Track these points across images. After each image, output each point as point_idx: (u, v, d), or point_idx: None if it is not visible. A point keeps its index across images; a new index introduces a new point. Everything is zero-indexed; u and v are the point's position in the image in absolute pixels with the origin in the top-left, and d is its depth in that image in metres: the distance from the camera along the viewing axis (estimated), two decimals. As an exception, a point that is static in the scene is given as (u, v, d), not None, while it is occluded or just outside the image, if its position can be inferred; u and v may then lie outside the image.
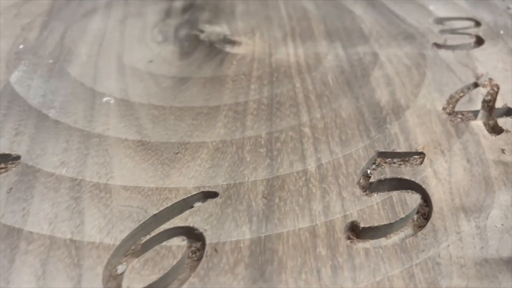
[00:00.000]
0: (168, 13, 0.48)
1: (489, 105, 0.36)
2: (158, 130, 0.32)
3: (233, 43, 0.43)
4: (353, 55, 0.41)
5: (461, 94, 0.37)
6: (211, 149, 0.30)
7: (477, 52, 0.43)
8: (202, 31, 0.45)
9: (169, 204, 0.26)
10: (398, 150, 0.31)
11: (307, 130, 0.32)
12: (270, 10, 0.49)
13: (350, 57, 0.41)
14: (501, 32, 0.46)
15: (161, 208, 0.26)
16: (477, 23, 0.48)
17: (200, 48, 0.42)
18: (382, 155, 0.31)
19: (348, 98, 0.36)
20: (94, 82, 0.37)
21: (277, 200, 0.27)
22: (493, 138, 0.32)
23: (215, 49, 0.42)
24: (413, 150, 0.31)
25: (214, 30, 0.45)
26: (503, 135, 0.32)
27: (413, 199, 0.27)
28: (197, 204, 0.27)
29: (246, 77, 0.38)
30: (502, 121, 0.34)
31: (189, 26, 0.46)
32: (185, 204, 0.27)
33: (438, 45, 0.44)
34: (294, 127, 0.33)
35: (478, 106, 0.35)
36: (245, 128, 0.32)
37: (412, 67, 0.40)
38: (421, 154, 0.31)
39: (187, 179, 0.28)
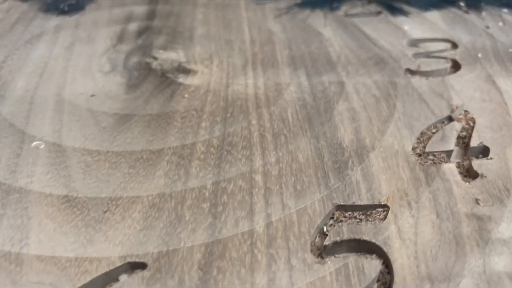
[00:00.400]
0: (120, 38, 0.44)
1: (464, 141, 0.33)
2: (89, 182, 0.28)
3: (187, 72, 0.39)
4: (317, 85, 0.38)
5: (434, 131, 0.34)
6: (146, 205, 0.27)
7: (453, 79, 0.39)
8: (155, 58, 0.41)
9: (88, 280, 0.23)
10: (359, 203, 0.27)
11: (259, 178, 0.29)
12: (232, 33, 0.46)
13: (314, 88, 0.37)
14: (479, 55, 0.43)
15: (78, 285, 0.22)
16: (454, 45, 0.45)
17: (150, 78, 0.38)
18: (341, 208, 0.27)
19: (307, 138, 0.32)
20: (26, 122, 0.33)
21: (215, 272, 0.23)
22: (466, 185, 0.29)
23: (166, 80, 0.38)
24: (376, 203, 0.27)
25: (169, 56, 0.41)
26: (477, 181, 0.29)
27: (372, 267, 0.24)
28: (122, 277, 0.23)
29: (198, 113, 0.34)
30: (477, 164, 0.30)
31: (141, 53, 0.42)
32: (107, 278, 0.23)
33: (411, 71, 0.40)
34: (244, 174, 0.29)
35: (451, 145, 0.32)
36: (189, 176, 0.29)
37: (381, 98, 0.36)
38: (385, 207, 0.27)
39: (113, 245, 0.24)
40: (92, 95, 0.36)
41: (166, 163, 0.30)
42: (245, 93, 0.37)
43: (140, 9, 0.50)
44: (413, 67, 0.41)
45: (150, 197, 0.27)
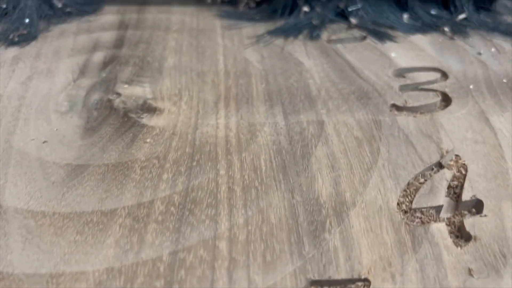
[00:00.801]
0: (83, 70, 0.41)
1: (455, 192, 0.30)
2: (28, 254, 0.24)
3: (153, 110, 0.36)
4: (294, 126, 0.34)
5: (422, 180, 0.30)
6: (92, 283, 0.23)
7: (443, 116, 0.36)
8: (118, 95, 0.37)
9: None
10: (336, 276, 0.24)
11: (223, 245, 0.25)
12: (206, 63, 0.42)
13: (290, 129, 0.34)
14: (471, 86, 0.40)
15: None
16: (444, 75, 0.42)
17: (111, 119, 0.35)
18: (316, 284, 0.24)
19: (281, 191, 0.29)
20: (-35, 176, 0.29)
21: None
22: (458, 251, 0.25)
23: (129, 121, 0.35)
24: (356, 276, 0.24)
25: (133, 92, 0.38)
26: (470, 245, 0.26)
27: None
28: None
29: (160, 162, 0.31)
30: (470, 222, 0.27)
31: (104, 88, 0.38)
32: None
33: (397, 107, 0.37)
34: (207, 241, 0.25)
35: (441, 198, 0.29)
36: (143, 245, 0.25)
37: (364, 141, 0.33)
38: (366, 282, 0.24)
39: None
40: (44, 141, 0.32)
41: (118, 227, 0.26)
42: (215, 136, 0.33)
43: (108, 36, 0.46)
44: (399, 102, 0.37)
45: (97, 273, 0.24)
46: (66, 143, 0.32)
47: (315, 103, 0.37)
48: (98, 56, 0.43)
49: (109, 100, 0.37)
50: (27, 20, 0.44)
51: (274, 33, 0.47)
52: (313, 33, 0.46)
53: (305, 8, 0.46)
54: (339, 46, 0.46)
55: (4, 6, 0.46)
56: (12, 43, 0.43)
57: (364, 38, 0.47)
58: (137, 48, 0.44)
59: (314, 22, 0.46)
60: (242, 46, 0.46)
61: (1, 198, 0.28)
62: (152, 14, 0.51)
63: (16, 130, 0.33)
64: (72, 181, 0.29)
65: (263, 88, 0.39)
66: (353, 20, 0.47)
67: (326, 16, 0.46)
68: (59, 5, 0.48)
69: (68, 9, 0.48)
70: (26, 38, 0.44)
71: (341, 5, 0.48)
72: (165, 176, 0.30)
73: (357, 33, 0.48)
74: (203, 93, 0.38)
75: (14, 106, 0.36)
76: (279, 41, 0.46)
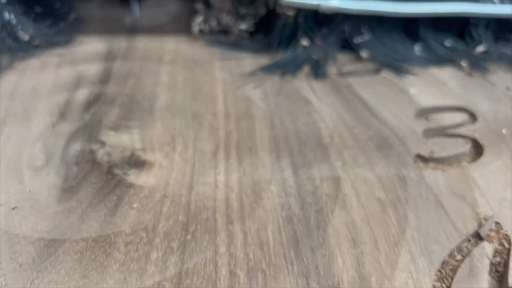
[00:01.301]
0: (64, 112, 0.36)
1: (497, 271, 0.25)
2: None
3: (141, 165, 0.31)
4: (306, 183, 0.30)
5: (458, 258, 0.26)
6: None
7: (475, 169, 0.31)
8: (102, 144, 0.33)
9: None
10: None
11: None
12: (202, 102, 0.38)
13: (301, 187, 0.29)
14: (504, 131, 0.35)
15: None
16: (472, 115, 0.37)
17: (92, 177, 0.30)
18: None
19: (293, 276, 0.24)
20: None
21: None
22: None
23: (113, 178, 0.30)
24: None
25: (120, 141, 0.33)
26: None
27: None
28: None
29: (148, 235, 0.26)
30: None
31: (87, 135, 0.34)
32: None
33: (422, 159, 0.32)
34: None
35: (484, 281, 0.24)
36: None
37: (388, 204, 0.28)
38: None
39: None
40: (14, 207, 0.27)
41: (96, 331, 0.21)
42: (214, 198, 0.29)
43: (94, 69, 0.42)
44: (424, 152, 0.33)
45: None
46: (39, 209, 0.28)
47: (328, 152, 0.32)
48: (82, 94, 0.38)
49: (92, 152, 0.32)
50: None
51: (275, 66, 0.42)
52: (317, 68, 0.41)
53: (304, 43, 0.42)
54: (350, 80, 0.41)
55: None
56: None
57: (377, 70, 0.43)
58: (125, 84, 0.40)
59: (314, 56, 0.41)
60: (243, 80, 0.41)
61: (-45, 289, 0.23)
62: (143, 42, 0.47)
63: (-19, 192, 0.29)
64: (44, 262, 0.24)
65: (268, 133, 0.34)
66: (364, 54, 0.43)
67: (329, 50, 0.42)
68: (26, 37, 0.42)
69: (36, 42, 0.43)
70: None
71: (346, 36, 0.43)
72: (154, 256, 0.25)
73: (368, 65, 0.43)
74: (199, 141, 0.33)
75: (-18, 159, 0.31)
76: (284, 75, 0.42)
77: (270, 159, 0.32)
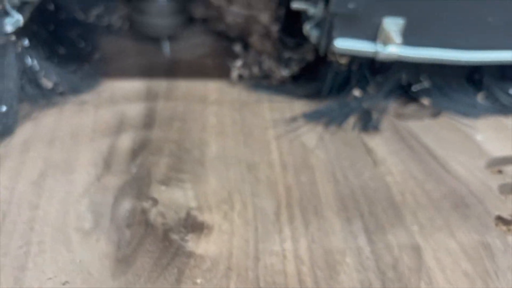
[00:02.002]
0: (108, 162, 0.33)
1: None
2: None
3: (200, 228, 0.28)
4: (384, 254, 0.27)
5: None
6: None
7: None
8: (154, 201, 0.30)
9: None
10: None
11: None
12: (255, 149, 0.35)
13: (379, 259, 0.27)
14: None
15: None
16: (548, 168, 0.34)
17: (147, 243, 0.27)
18: None
19: None
20: None
21: None
22: None
23: (170, 246, 0.27)
24: None
25: (173, 197, 0.30)
26: None
27: None
28: None
29: (218, 319, 0.23)
30: None
31: (136, 191, 0.31)
32: None
33: (504, 222, 0.29)
34: None
35: None
36: None
37: (477, 279, 0.25)
38: None
39: None
40: (65, 283, 0.25)
41: None
42: (284, 272, 0.26)
43: (135, 110, 0.39)
44: (505, 214, 0.30)
45: None
46: (93, 284, 0.25)
47: (402, 214, 0.30)
48: (125, 140, 0.35)
49: (144, 211, 0.29)
50: (3, 108, 0.36)
51: (327, 113, 0.39)
52: (369, 118, 0.38)
53: (357, 93, 0.39)
54: (410, 124, 0.38)
55: None
56: None
57: (437, 113, 0.40)
58: (171, 128, 0.37)
59: (365, 105, 0.38)
60: (296, 124, 0.38)
61: None
62: (183, 81, 0.44)
63: (28, 262, 0.26)
64: None
65: (332, 189, 0.32)
66: (425, 101, 0.40)
67: (383, 99, 0.39)
68: (49, 85, 0.39)
69: (60, 89, 0.39)
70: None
71: (402, 84, 0.40)
72: None
73: (428, 107, 0.41)
74: (258, 198, 0.31)
75: (25, 219, 0.28)
76: (339, 118, 0.39)
77: (339, 222, 0.29)
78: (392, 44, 0.35)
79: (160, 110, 0.39)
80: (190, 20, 0.50)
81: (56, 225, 0.28)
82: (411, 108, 0.40)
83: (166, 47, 0.47)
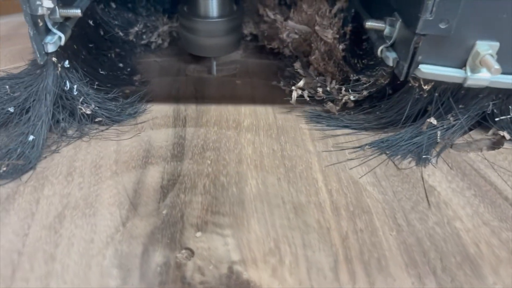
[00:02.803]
0: (134, 202, 0.29)
1: None
2: None
3: (245, 287, 0.24)
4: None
5: None
6: None
7: None
8: (190, 252, 0.26)
9: None
10: None
11: None
12: (300, 187, 0.31)
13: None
14: None
15: None
16: None
17: (186, 308, 0.23)
18: None
19: None
20: None
21: None
22: None
23: (214, 312, 0.23)
24: None
25: (211, 247, 0.26)
26: None
27: None
28: None
29: None
30: None
31: (168, 238, 0.27)
32: None
33: None
34: None
35: None
36: None
37: None
38: None
39: None
40: None
41: None
42: None
43: (162, 137, 0.35)
44: None
45: None
46: None
47: (481, 270, 0.25)
48: (153, 175, 0.31)
49: (178, 266, 0.25)
50: (30, 138, 0.32)
51: (388, 143, 0.35)
52: (441, 149, 0.34)
53: (434, 121, 0.34)
54: (472, 156, 0.34)
55: (11, 109, 0.33)
56: None
57: (502, 139, 0.35)
58: (203, 159, 0.33)
59: (440, 140, 0.34)
60: (343, 155, 0.34)
61: None
62: (214, 102, 0.40)
63: (43, 332, 0.22)
64: None
65: (395, 237, 0.27)
66: (506, 134, 0.35)
67: (459, 128, 0.34)
68: (88, 111, 0.35)
69: (98, 117, 0.35)
70: (19, 170, 0.31)
71: (486, 113, 0.35)
72: None
73: (483, 139, 0.36)
74: (310, 250, 0.26)
75: (39, 275, 0.24)
76: (394, 155, 0.34)
77: (409, 279, 0.25)
78: (487, 69, 0.30)
79: (189, 137, 0.35)
80: (241, 39, 0.46)
81: (76, 283, 0.24)
82: (483, 140, 0.36)
83: (214, 67, 0.43)
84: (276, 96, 0.40)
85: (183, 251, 0.26)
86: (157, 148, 0.34)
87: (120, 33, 0.46)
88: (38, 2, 0.30)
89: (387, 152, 0.34)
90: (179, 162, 0.32)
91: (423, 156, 0.33)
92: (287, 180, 0.31)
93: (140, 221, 0.28)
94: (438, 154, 0.34)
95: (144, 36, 0.48)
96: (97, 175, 0.31)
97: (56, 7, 0.32)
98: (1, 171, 0.30)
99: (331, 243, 0.27)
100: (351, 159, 0.33)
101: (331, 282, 0.24)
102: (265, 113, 0.38)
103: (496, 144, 0.35)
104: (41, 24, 0.32)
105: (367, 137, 0.36)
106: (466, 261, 0.26)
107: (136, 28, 0.48)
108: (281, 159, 0.33)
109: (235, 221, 0.28)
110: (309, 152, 0.34)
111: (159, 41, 0.49)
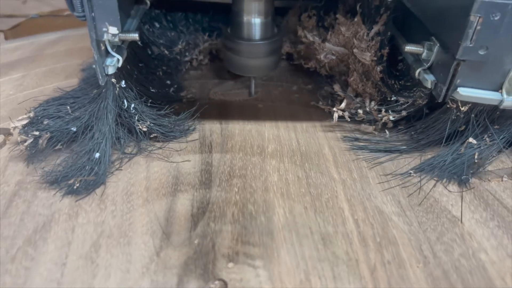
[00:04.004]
0: (167, 231, 0.30)
1: None
2: None
3: (279, 321, 0.25)
4: None
5: None
6: None
7: None
8: (223, 284, 0.26)
9: None
10: None
11: None
12: (327, 217, 0.31)
13: None
14: None
15: None
16: None
17: None
18: None
19: None
20: None
21: None
22: None
23: None
24: None
25: (243, 279, 0.27)
26: None
27: None
28: None
29: None
30: None
31: (201, 269, 0.27)
32: None
33: None
34: None
35: None
36: None
37: None
38: None
39: None
40: None
41: None
42: None
43: (189, 164, 0.36)
44: None
45: None
46: None
47: (508, 306, 0.26)
48: (183, 202, 0.32)
49: (214, 296, 0.26)
50: (97, 155, 0.34)
51: (440, 162, 0.35)
52: (472, 173, 0.34)
53: (472, 140, 0.35)
54: (497, 189, 0.35)
55: (73, 129, 0.35)
56: (70, 192, 0.32)
57: (515, 174, 0.36)
58: (230, 187, 0.34)
59: (478, 160, 0.35)
60: (367, 182, 0.35)
61: None
62: (237, 125, 0.41)
63: None
64: None
65: (421, 270, 0.28)
66: None
67: (494, 151, 0.35)
68: (144, 128, 0.36)
69: (153, 133, 0.37)
70: (92, 185, 0.32)
71: None
72: None
73: (503, 169, 0.37)
74: (341, 282, 0.27)
75: (79, 307, 0.25)
76: (418, 181, 0.35)
77: (438, 315, 0.25)
78: None
79: (216, 163, 0.36)
80: (280, 59, 0.47)
81: (115, 315, 0.25)
82: (504, 168, 0.36)
83: (252, 86, 0.45)
84: (317, 115, 0.42)
85: (216, 282, 0.27)
86: (185, 175, 0.34)
87: (166, 51, 0.48)
88: (104, 29, 0.32)
89: (416, 175, 0.35)
90: (207, 190, 0.33)
91: (463, 177, 0.34)
92: (313, 209, 0.32)
93: (173, 251, 0.28)
94: (472, 175, 0.35)
95: (187, 53, 0.50)
96: (130, 201, 0.32)
97: (118, 32, 0.34)
98: (75, 187, 0.32)
99: (360, 276, 0.27)
100: (376, 183, 0.34)
101: (362, 316, 0.25)
102: (287, 134, 0.39)
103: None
104: (102, 47, 0.33)
105: (406, 158, 0.37)
106: (493, 295, 0.26)
107: (179, 46, 0.49)
108: (306, 187, 0.34)
109: (265, 251, 0.29)
110: (333, 179, 0.35)
111: (200, 57, 0.51)
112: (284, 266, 0.28)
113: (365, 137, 0.40)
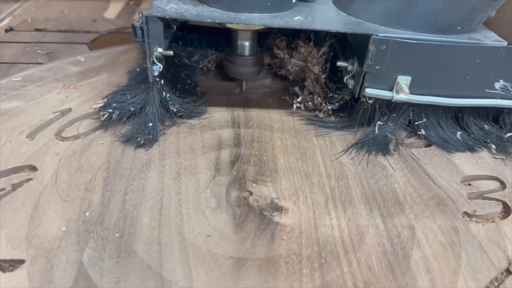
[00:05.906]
0: (217, 168, 0.52)
1: (520, 293, 0.40)
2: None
3: (280, 209, 0.47)
4: (392, 229, 0.45)
5: (496, 284, 0.40)
6: None
7: (506, 225, 0.46)
8: (250, 193, 0.49)
9: None
10: None
11: (360, 332, 0.35)
12: (309, 164, 0.54)
13: (389, 232, 0.45)
14: (525, 197, 0.50)
15: None
16: (502, 184, 0.52)
17: (251, 216, 0.46)
18: None
19: (393, 289, 0.39)
20: (160, 265, 0.40)
21: None
22: None
23: (265, 218, 0.46)
24: None
25: (261, 191, 0.49)
26: None
27: None
28: None
29: (297, 258, 0.41)
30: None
31: (238, 186, 0.49)
32: None
33: (468, 215, 0.47)
34: (347, 328, 0.36)
35: (512, 299, 0.39)
36: (303, 329, 0.36)
37: (447, 246, 0.43)
38: None
39: None
40: (208, 236, 0.43)
41: (283, 314, 0.37)
42: (333, 236, 0.44)
43: (227, 134, 0.58)
44: (469, 210, 0.48)
45: None
46: (224, 237, 0.43)
47: (404, 207, 0.48)
48: (225, 155, 0.54)
49: (245, 198, 0.48)
50: (150, 124, 0.56)
51: (360, 141, 0.58)
52: (389, 144, 0.57)
53: (380, 122, 0.57)
54: (413, 150, 0.57)
55: (132, 109, 0.57)
56: (139, 145, 0.54)
57: (429, 144, 0.58)
58: (252, 147, 0.56)
59: (390, 135, 0.57)
60: (334, 147, 0.57)
61: (192, 285, 0.39)
62: (255, 111, 0.63)
63: (183, 224, 0.45)
64: (238, 271, 0.40)
65: (360, 191, 0.50)
66: (422, 131, 0.58)
67: (396, 130, 0.58)
68: (174, 109, 0.59)
69: (180, 113, 0.60)
70: (150, 141, 0.55)
71: (410, 119, 0.58)
72: (304, 271, 0.40)
73: (424, 140, 0.59)
74: (314, 194, 0.49)
75: (174, 201, 0.47)
76: (365, 149, 0.57)
77: (365, 210, 0.47)
78: (403, 92, 0.53)
79: (243, 134, 0.58)
80: (262, 68, 0.70)
81: (194, 204, 0.47)
82: (413, 138, 0.59)
83: (243, 85, 0.67)
84: (286, 106, 0.64)
85: (246, 192, 0.49)
86: (225, 140, 0.57)
87: (186, 61, 0.70)
88: (154, 49, 0.54)
89: (361, 143, 0.57)
90: (238, 148, 0.55)
91: (384, 149, 0.56)
92: (301, 160, 0.54)
93: (222, 177, 0.51)
94: (396, 147, 0.57)
95: (200, 62, 0.72)
96: (193, 153, 0.54)
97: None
98: (141, 142, 0.54)
99: (325, 192, 0.50)
100: (340, 148, 0.56)
101: (324, 209, 0.47)
102: (286, 119, 0.62)
103: (427, 145, 0.58)
104: (152, 60, 0.55)
105: (347, 135, 0.59)
106: (397, 203, 0.48)
107: (195, 57, 0.72)
108: (298, 148, 0.56)
109: (273, 179, 0.51)
110: (314, 144, 0.57)
111: (209, 65, 0.73)
112: (283, 186, 0.50)
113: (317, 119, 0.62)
